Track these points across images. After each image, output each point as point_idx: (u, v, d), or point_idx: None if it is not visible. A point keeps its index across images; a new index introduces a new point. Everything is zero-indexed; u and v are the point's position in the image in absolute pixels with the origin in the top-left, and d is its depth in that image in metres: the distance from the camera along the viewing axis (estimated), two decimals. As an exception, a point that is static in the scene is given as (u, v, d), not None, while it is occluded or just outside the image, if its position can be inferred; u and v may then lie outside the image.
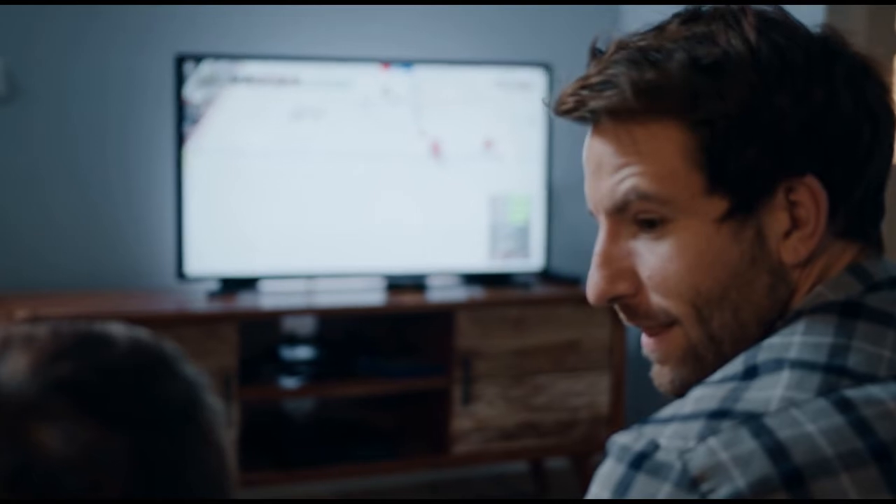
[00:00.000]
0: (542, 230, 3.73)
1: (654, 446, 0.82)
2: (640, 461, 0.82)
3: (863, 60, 0.94)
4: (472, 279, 3.70)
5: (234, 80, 3.38)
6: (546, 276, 3.75)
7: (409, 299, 3.51)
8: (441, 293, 3.59)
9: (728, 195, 0.91)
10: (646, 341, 1.00)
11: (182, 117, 3.34)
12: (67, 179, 3.46)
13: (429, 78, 3.58)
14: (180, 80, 3.33)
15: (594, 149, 0.99)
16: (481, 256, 3.68)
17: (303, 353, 3.54)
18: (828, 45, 0.93)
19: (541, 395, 3.58)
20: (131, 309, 3.19)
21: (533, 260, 3.73)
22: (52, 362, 0.64)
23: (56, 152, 3.44)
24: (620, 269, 1.00)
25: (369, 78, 3.52)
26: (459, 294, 3.60)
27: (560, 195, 3.87)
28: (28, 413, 0.61)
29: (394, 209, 3.58)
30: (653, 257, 0.96)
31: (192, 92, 3.34)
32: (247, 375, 3.28)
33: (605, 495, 0.83)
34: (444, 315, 3.50)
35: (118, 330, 0.70)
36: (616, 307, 1.00)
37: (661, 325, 0.97)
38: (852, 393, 0.84)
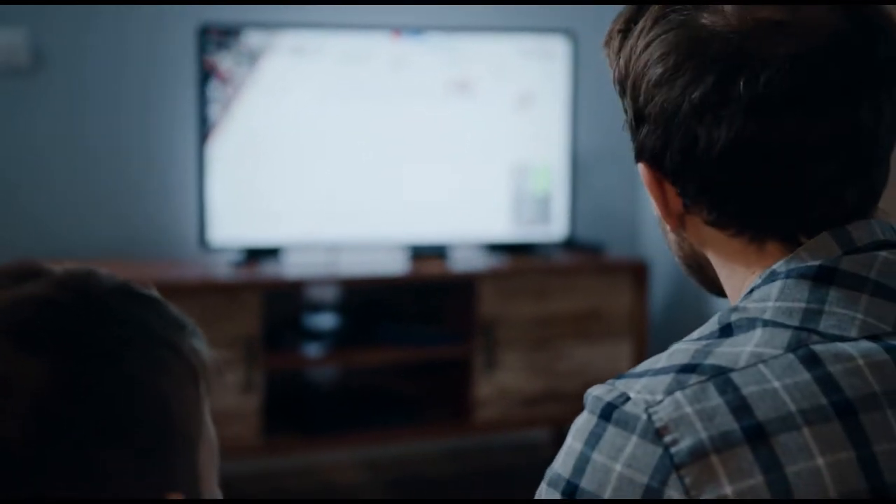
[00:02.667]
0: (566, 198, 3.73)
1: (625, 398, 0.85)
2: (610, 412, 0.85)
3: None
4: (495, 248, 3.71)
5: (259, 50, 3.39)
6: (570, 244, 3.75)
7: (431, 268, 3.52)
8: (464, 262, 3.60)
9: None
10: None
11: (204, 87, 3.36)
12: (90, 149, 3.48)
13: (453, 47, 3.58)
14: (202, 50, 3.34)
15: None
16: (505, 225, 3.69)
17: (326, 321, 3.56)
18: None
19: (562, 362, 3.59)
20: (154, 277, 3.20)
21: (556, 228, 3.73)
22: None
23: (79, 122, 3.46)
24: None
25: (392, 48, 3.52)
26: (482, 263, 3.61)
27: (584, 163, 3.87)
28: None
29: (417, 179, 3.59)
30: None
31: (216, 63, 3.35)
32: (271, 343, 3.31)
33: (578, 446, 0.86)
34: (467, 283, 3.51)
35: (48, 265, 0.73)
36: None
37: None
38: (821, 348, 0.85)
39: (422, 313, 3.68)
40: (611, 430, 0.84)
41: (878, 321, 0.87)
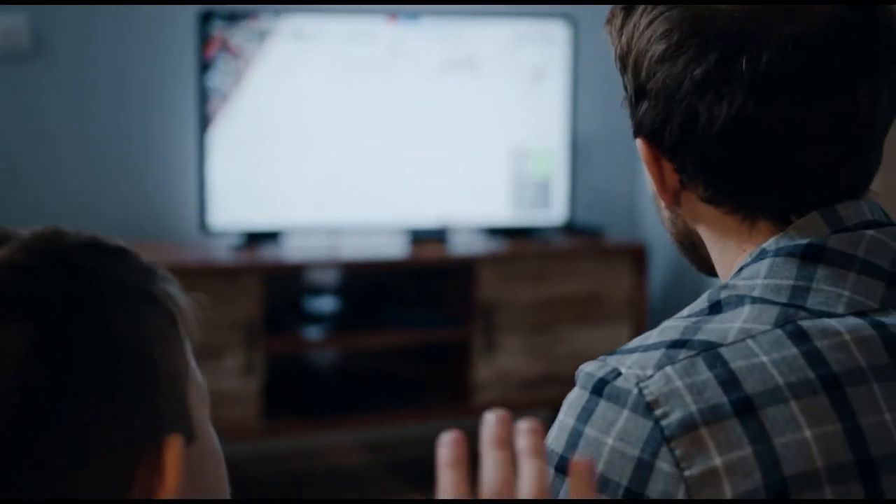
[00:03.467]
0: (566, 182, 3.74)
1: (616, 374, 0.86)
2: (602, 387, 0.86)
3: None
4: (494, 232, 3.72)
5: (261, 34, 3.39)
6: (570, 228, 3.76)
7: (431, 252, 3.53)
8: (464, 246, 3.61)
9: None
10: None
11: (205, 71, 3.36)
12: (91, 133, 3.48)
13: (454, 31, 3.58)
14: (203, 34, 3.34)
15: None
16: (504, 209, 3.70)
17: (326, 304, 3.57)
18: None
19: (562, 345, 3.61)
20: (155, 260, 3.21)
21: (556, 212, 3.74)
22: None
23: (80, 106, 3.46)
24: None
25: (392, 32, 3.53)
26: (482, 246, 3.62)
27: (584, 147, 3.88)
28: None
29: (417, 163, 3.60)
30: None
31: (217, 45, 3.36)
32: (271, 327, 3.32)
33: (571, 421, 0.88)
34: (467, 267, 3.52)
35: (26, 231, 0.73)
36: None
37: None
38: (808, 324, 0.86)
39: (422, 297, 3.70)
40: (602, 405, 0.86)
41: (865, 298, 0.89)
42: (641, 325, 3.67)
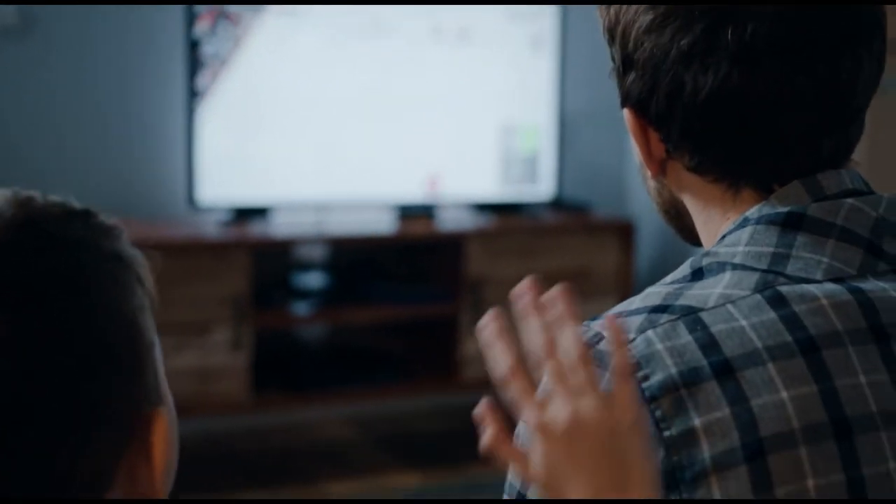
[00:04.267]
0: (554, 158, 3.75)
1: (599, 338, 0.89)
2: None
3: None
4: (482, 207, 3.73)
5: (250, 10, 3.39)
6: (557, 203, 3.77)
7: (419, 227, 3.54)
8: (451, 221, 3.62)
9: None
10: None
11: (193, 48, 3.36)
12: (79, 108, 3.48)
13: (441, 8, 3.58)
14: (192, 11, 3.34)
15: None
16: (492, 185, 3.70)
17: (314, 280, 3.58)
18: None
19: (549, 321, 3.62)
20: (143, 236, 3.22)
21: (543, 188, 3.75)
22: None
23: (68, 82, 3.45)
24: None
25: (380, 9, 3.52)
26: (469, 222, 3.63)
27: (572, 123, 3.88)
28: None
29: (404, 138, 3.60)
30: None
31: (205, 23, 3.35)
32: (259, 302, 3.33)
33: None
34: (454, 243, 3.53)
35: (6, 197, 0.71)
36: None
37: None
38: (787, 289, 0.88)
39: (410, 272, 3.71)
40: None
41: (843, 265, 0.91)
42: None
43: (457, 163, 3.66)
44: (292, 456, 3.50)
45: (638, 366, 0.86)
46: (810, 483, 0.83)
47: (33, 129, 3.44)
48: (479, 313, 3.82)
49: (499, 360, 0.91)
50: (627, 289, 3.69)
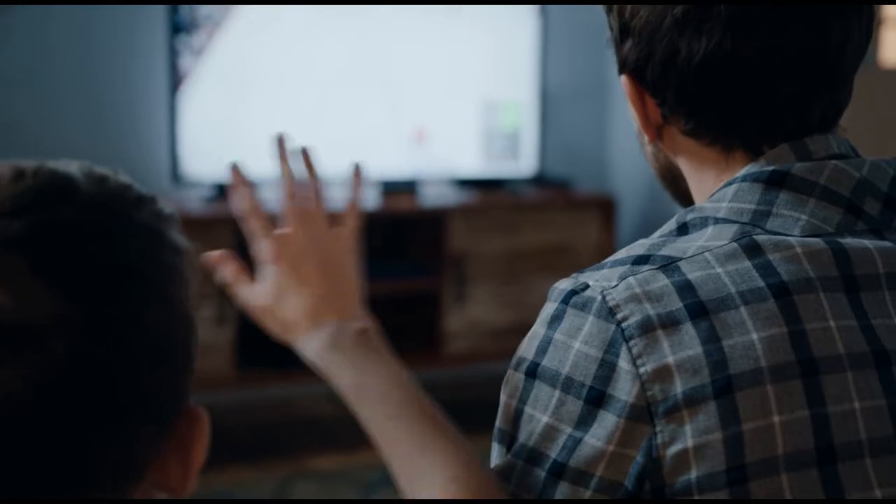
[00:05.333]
0: (536, 134, 3.76)
1: (585, 286, 0.93)
2: (570, 297, 0.93)
3: None
4: (464, 183, 3.74)
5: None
6: (539, 179, 3.80)
7: (402, 203, 3.56)
8: (434, 197, 3.64)
9: None
10: None
11: (177, 24, 3.36)
12: (61, 83, 3.47)
13: (421, -18, 3.59)
14: (174, -16, 3.34)
15: None
16: (474, 161, 3.72)
17: (298, 255, 3.59)
18: None
19: (531, 295, 3.65)
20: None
21: (526, 164, 3.77)
22: (11, 216, 0.62)
23: (49, 58, 3.45)
24: None
25: (362, -18, 3.53)
26: (452, 198, 3.65)
27: (554, 99, 3.90)
28: None
29: (386, 114, 3.61)
30: None
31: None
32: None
33: (542, 330, 0.95)
34: (437, 218, 3.55)
35: (82, 176, 0.67)
36: None
37: None
38: (763, 238, 0.92)
39: (393, 248, 3.73)
40: (570, 313, 0.93)
41: (821, 222, 0.94)
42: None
43: (439, 139, 3.67)
44: (276, 431, 3.53)
45: (618, 308, 0.90)
46: (776, 419, 0.86)
47: (15, 105, 3.44)
48: (461, 288, 3.88)
49: (240, 202, 1.20)
50: (609, 264, 3.72)
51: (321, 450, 3.44)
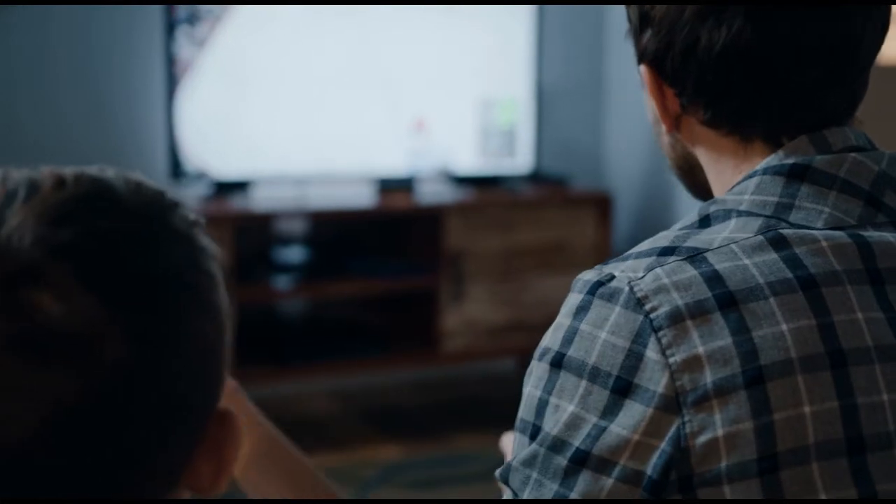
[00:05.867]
0: (532, 131, 3.77)
1: (611, 277, 0.93)
2: (596, 288, 0.93)
3: None
4: (461, 181, 3.75)
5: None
6: (535, 177, 3.80)
7: (399, 201, 3.56)
8: (431, 195, 3.64)
9: None
10: None
11: (174, 20, 3.36)
12: (59, 79, 3.48)
13: (417, -20, 3.59)
14: (170, -17, 3.35)
15: None
16: (471, 158, 3.73)
17: (295, 254, 3.60)
18: None
19: (527, 293, 3.66)
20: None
21: (522, 161, 3.78)
22: (57, 225, 0.62)
23: (47, 53, 3.45)
24: None
25: (358, -20, 3.53)
26: (448, 195, 3.66)
27: (550, 96, 3.90)
28: (31, 278, 0.60)
29: (384, 112, 3.62)
30: None
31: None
32: (241, 276, 3.35)
33: (567, 321, 0.94)
34: (434, 216, 3.56)
35: (121, 183, 0.67)
36: None
37: None
38: (789, 232, 0.93)
39: (389, 245, 3.73)
40: (596, 303, 0.92)
41: (843, 215, 0.95)
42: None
43: (436, 136, 3.68)
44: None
45: (646, 298, 0.90)
46: (806, 409, 0.87)
47: (12, 100, 3.44)
48: (458, 286, 3.88)
49: None
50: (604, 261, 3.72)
51: (319, 447, 3.44)
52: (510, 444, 1.22)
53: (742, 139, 1.00)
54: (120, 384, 0.61)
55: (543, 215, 3.67)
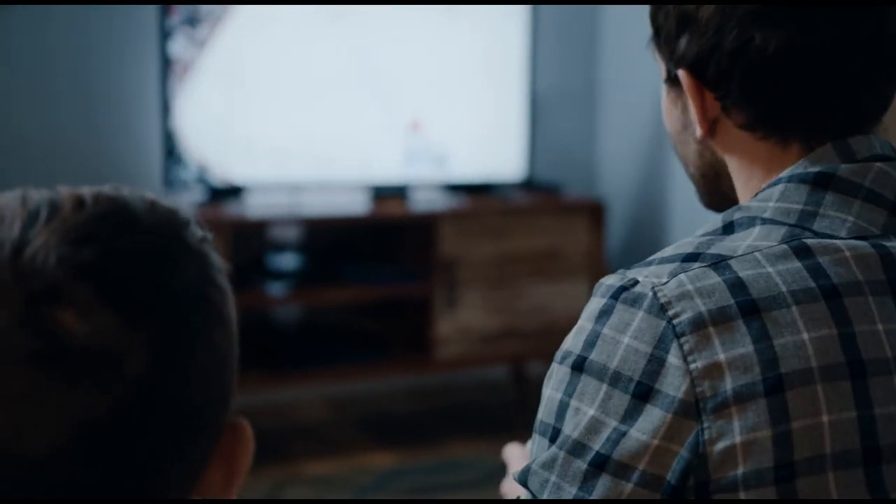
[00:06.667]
0: (525, 139, 3.78)
1: (634, 282, 0.94)
2: (620, 293, 0.94)
3: None
4: (454, 188, 3.76)
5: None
6: (529, 184, 3.81)
7: (392, 208, 3.57)
8: (424, 202, 3.65)
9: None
10: None
11: (166, 26, 3.37)
12: (52, 87, 3.48)
13: (411, -12, 3.60)
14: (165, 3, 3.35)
15: None
16: (465, 166, 3.73)
17: (289, 261, 3.61)
18: None
19: (521, 300, 3.66)
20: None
21: (516, 169, 3.78)
22: (79, 244, 0.64)
23: (41, 60, 3.46)
24: None
25: (352, -12, 3.55)
26: (442, 203, 3.66)
27: (543, 104, 3.91)
28: (55, 296, 0.62)
29: (378, 119, 3.62)
30: None
31: (181, 6, 3.36)
32: (235, 283, 3.33)
33: (589, 325, 0.95)
34: (427, 223, 3.57)
35: (137, 202, 0.69)
36: None
37: None
38: (812, 242, 0.94)
39: (383, 253, 3.74)
40: (619, 308, 0.93)
41: (868, 224, 0.96)
42: (598, 280, 3.72)
43: (430, 143, 3.68)
44: (268, 436, 3.53)
45: (669, 304, 0.90)
46: (825, 419, 0.88)
47: (5, 107, 3.44)
48: (452, 293, 3.88)
49: None
50: (598, 269, 3.74)
51: (313, 454, 3.45)
52: (513, 454, 1.23)
53: (779, 142, 1.00)
54: (141, 398, 0.63)
55: (537, 222, 3.68)
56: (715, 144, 1.05)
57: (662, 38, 1.03)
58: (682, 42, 1.01)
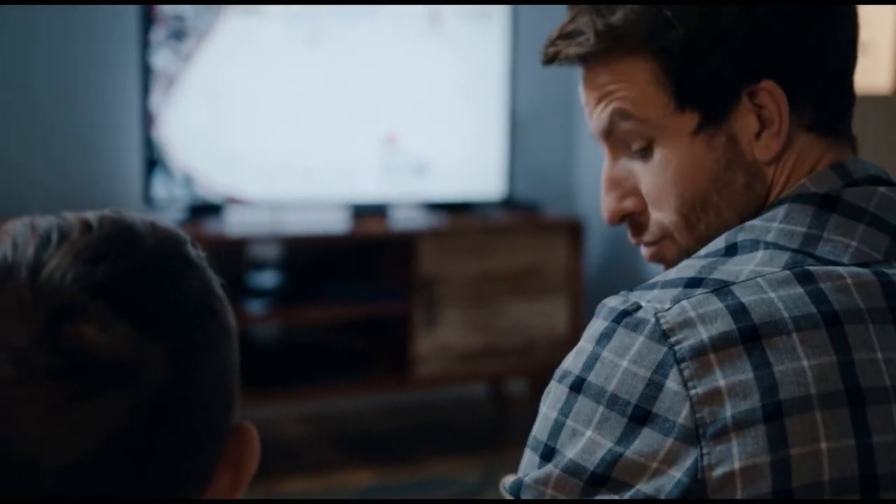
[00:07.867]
0: (505, 158, 3.79)
1: (637, 307, 0.94)
2: (622, 317, 0.94)
3: None
4: (434, 207, 3.77)
5: (210, 11, 3.40)
6: (508, 203, 3.82)
7: (372, 226, 3.57)
8: (404, 221, 3.66)
9: (697, 110, 1.02)
10: (645, 252, 1.12)
11: (147, 42, 3.37)
12: (32, 103, 3.48)
13: (390, 8, 3.61)
14: (148, 9, 3.35)
15: (583, 86, 1.09)
16: (444, 184, 3.74)
17: (268, 279, 3.60)
18: None
19: (500, 318, 3.67)
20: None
21: (495, 187, 3.80)
22: (92, 264, 0.68)
23: (20, 75, 3.45)
24: (626, 190, 1.10)
25: (329, 9, 3.55)
26: (422, 221, 3.67)
27: (522, 123, 3.93)
28: (73, 313, 0.66)
29: (358, 138, 3.63)
30: (646, 175, 1.07)
31: (163, 23, 3.36)
32: (214, 301, 3.34)
33: (589, 346, 0.95)
34: (407, 242, 3.57)
35: (139, 223, 0.73)
36: (627, 224, 1.11)
37: (656, 239, 1.09)
38: (815, 268, 0.94)
39: (363, 271, 3.74)
40: (620, 332, 0.93)
41: (870, 249, 0.97)
42: (578, 298, 3.74)
43: (409, 161, 3.69)
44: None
45: (672, 331, 0.90)
46: (823, 446, 0.88)
47: (-14, 128, 3.43)
48: (431, 311, 3.87)
49: None
50: (577, 287, 3.75)
51: (292, 473, 3.44)
52: None
53: (835, 137, 1.04)
54: (160, 405, 0.67)
55: (516, 241, 3.69)
56: (787, 159, 1.03)
57: (725, 56, 1.00)
58: (759, 54, 1.00)
